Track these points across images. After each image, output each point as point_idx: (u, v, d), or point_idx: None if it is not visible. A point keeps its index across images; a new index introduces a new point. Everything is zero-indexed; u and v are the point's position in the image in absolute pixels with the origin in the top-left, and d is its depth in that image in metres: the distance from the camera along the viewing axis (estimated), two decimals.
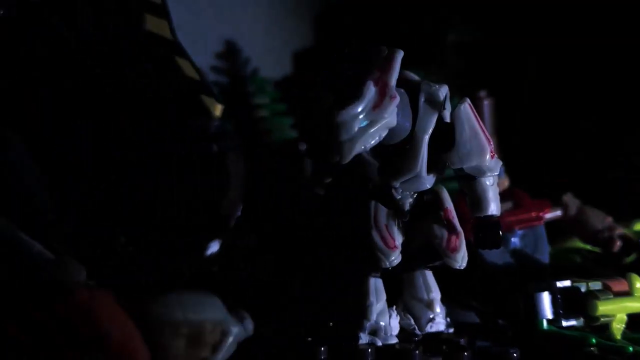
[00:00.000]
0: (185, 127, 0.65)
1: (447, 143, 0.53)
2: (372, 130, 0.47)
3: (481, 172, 0.54)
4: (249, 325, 0.52)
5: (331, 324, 0.61)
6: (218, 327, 0.50)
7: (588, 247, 0.78)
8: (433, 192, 0.58)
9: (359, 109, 0.46)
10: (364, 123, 0.47)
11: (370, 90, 0.47)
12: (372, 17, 1.05)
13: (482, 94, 0.84)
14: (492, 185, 0.55)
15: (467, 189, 0.55)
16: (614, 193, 0.85)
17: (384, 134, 0.49)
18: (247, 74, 1.01)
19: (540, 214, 0.77)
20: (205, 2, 0.98)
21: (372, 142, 0.48)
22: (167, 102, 0.64)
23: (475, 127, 0.53)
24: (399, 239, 0.56)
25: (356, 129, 0.46)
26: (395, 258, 0.55)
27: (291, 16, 1.09)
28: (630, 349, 0.56)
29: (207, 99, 0.66)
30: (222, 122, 0.70)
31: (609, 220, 0.80)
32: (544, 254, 0.75)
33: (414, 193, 0.57)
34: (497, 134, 0.88)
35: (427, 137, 0.53)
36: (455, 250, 0.55)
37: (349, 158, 0.47)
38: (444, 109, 0.54)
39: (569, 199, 0.82)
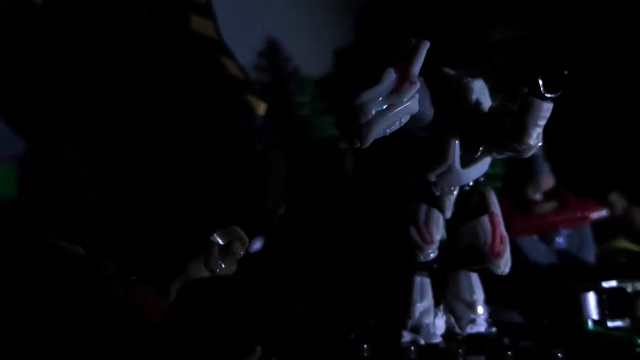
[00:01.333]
0: (230, 126, 0.65)
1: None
2: (390, 114, 0.47)
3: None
4: None
5: (373, 321, 0.61)
6: None
7: (635, 247, 0.77)
8: (480, 195, 0.58)
9: (377, 93, 0.46)
10: (382, 107, 0.47)
11: (390, 76, 0.47)
12: (413, 15, 1.04)
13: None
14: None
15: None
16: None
17: (405, 120, 0.48)
18: (288, 73, 1.02)
19: (586, 213, 0.76)
20: (247, 2, 0.99)
21: (392, 127, 0.48)
22: (213, 101, 0.65)
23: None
24: (437, 235, 0.56)
25: (373, 112, 0.46)
26: (432, 252, 0.55)
27: (332, 14, 1.09)
28: None
29: (252, 97, 0.67)
30: (266, 120, 0.70)
31: None
32: (590, 254, 0.74)
33: (454, 190, 0.57)
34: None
35: (456, 128, 0.53)
36: (499, 255, 0.55)
37: (368, 142, 0.47)
38: (481, 102, 0.54)
39: (615, 198, 0.81)
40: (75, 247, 0.52)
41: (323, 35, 1.08)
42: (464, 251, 0.57)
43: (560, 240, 0.74)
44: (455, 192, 0.57)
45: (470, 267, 0.59)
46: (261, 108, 0.68)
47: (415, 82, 0.48)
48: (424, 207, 0.57)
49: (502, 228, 0.56)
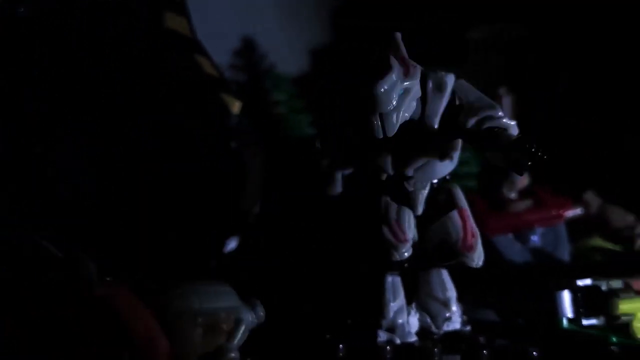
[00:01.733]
0: (204, 124, 0.65)
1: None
2: (408, 99, 0.49)
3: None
4: (260, 312, 0.53)
5: (349, 321, 0.61)
6: (232, 314, 0.51)
7: (609, 245, 0.77)
8: (447, 192, 0.58)
9: (394, 78, 0.47)
10: (401, 91, 0.48)
11: (395, 62, 0.48)
12: (389, 14, 1.04)
13: (502, 90, 0.83)
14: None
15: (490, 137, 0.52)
16: (637, 191, 0.83)
17: (414, 106, 0.50)
18: (264, 71, 1.01)
19: (561, 212, 0.76)
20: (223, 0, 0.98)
21: (409, 113, 0.50)
22: (187, 99, 0.64)
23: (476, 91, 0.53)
24: (410, 233, 0.56)
25: (396, 97, 0.48)
26: (406, 250, 0.55)
27: (308, 13, 1.09)
28: None
29: (226, 96, 0.66)
30: (241, 119, 0.70)
31: (631, 218, 0.79)
32: (565, 253, 0.75)
33: (427, 185, 0.56)
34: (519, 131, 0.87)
35: (437, 121, 0.52)
36: (472, 249, 0.55)
37: (394, 130, 0.48)
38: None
39: (590, 197, 0.81)
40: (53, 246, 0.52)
41: (299, 33, 1.07)
42: (436, 248, 0.57)
43: (535, 239, 0.74)
44: (428, 188, 0.57)
45: (443, 263, 0.59)
46: (236, 106, 0.67)
47: (416, 65, 0.50)
48: (394, 206, 0.57)
49: (472, 222, 0.57)
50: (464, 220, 0.56)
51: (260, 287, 0.62)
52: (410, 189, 0.56)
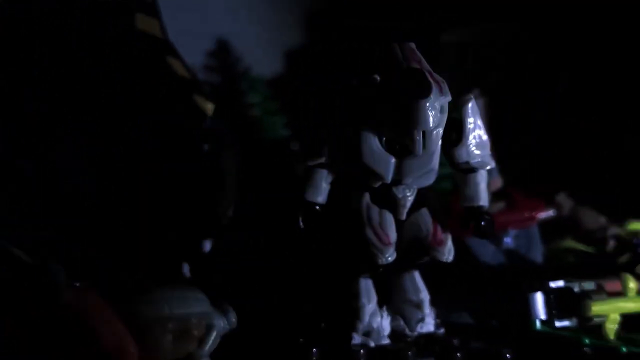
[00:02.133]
0: (176, 127, 0.64)
1: (457, 137, 0.54)
2: (443, 116, 0.51)
3: (482, 164, 0.56)
4: (233, 318, 0.53)
5: (323, 325, 0.61)
6: (203, 320, 0.51)
7: (582, 247, 0.78)
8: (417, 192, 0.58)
9: (435, 98, 0.49)
10: (439, 108, 0.50)
11: (430, 78, 0.49)
12: (364, 16, 1.04)
13: (474, 93, 0.83)
14: (485, 178, 0.57)
15: (464, 180, 0.56)
16: (610, 193, 0.84)
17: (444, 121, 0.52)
18: (239, 73, 1.01)
19: (534, 214, 0.77)
20: (196, 1, 0.98)
21: (442, 129, 0.52)
22: (158, 101, 0.63)
23: (480, 122, 0.56)
24: (393, 236, 0.55)
25: (438, 114, 0.50)
26: (390, 255, 0.54)
27: (283, 14, 1.08)
28: (624, 349, 0.56)
29: (199, 98, 0.66)
30: (215, 121, 0.69)
31: (603, 220, 0.80)
32: (537, 254, 0.75)
33: (415, 192, 0.56)
34: (490, 134, 0.87)
35: (440, 131, 0.52)
36: (442, 243, 0.56)
37: (437, 147, 0.51)
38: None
39: (562, 199, 0.82)
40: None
41: (274, 35, 1.07)
42: (408, 245, 0.57)
43: (508, 241, 0.75)
44: (415, 193, 0.56)
45: (415, 261, 0.59)
46: (209, 109, 0.66)
47: (444, 81, 0.51)
48: (376, 209, 0.56)
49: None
50: (433, 216, 0.57)
51: (233, 290, 0.61)
52: (400, 195, 0.55)
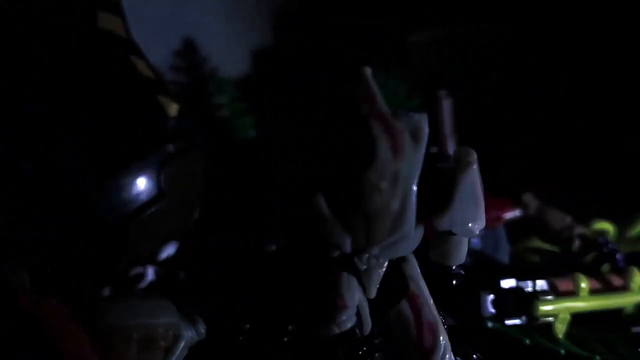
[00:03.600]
0: (139, 128, 0.63)
1: (442, 202, 0.42)
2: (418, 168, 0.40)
3: (468, 234, 0.45)
4: (201, 328, 0.51)
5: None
6: (170, 330, 0.49)
7: (547, 246, 0.78)
8: (396, 267, 0.46)
9: (378, 171, 0.39)
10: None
11: (379, 136, 0.39)
12: (331, 16, 1.04)
13: (442, 93, 0.83)
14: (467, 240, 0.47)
15: (439, 238, 0.45)
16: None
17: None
18: (206, 73, 1.00)
19: (500, 214, 0.77)
20: (163, 0, 0.97)
21: None
22: (121, 102, 0.62)
23: (478, 193, 0.43)
24: (350, 300, 0.44)
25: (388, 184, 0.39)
26: (348, 319, 0.44)
27: (250, 14, 1.08)
28: (562, 351, 0.57)
29: (163, 98, 0.65)
30: (180, 122, 0.68)
31: (568, 219, 0.80)
32: (504, 255, 0.76)
33: (385, 264, 0.44)
34: (457, 134, 0.88)
35: (415, 185, 0.41)
36: (431, 352, 0.44)
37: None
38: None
39: (528, 198, 0.82)
40: None
41: (241, 35, 1.06)
42: (396, 344, 0.46)
43: (475, 241, 0.75)
44: (385, 266, 0.44)
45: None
46: (173, 109, 0.65)
47: (403, 130, 0.40)
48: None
49: (426, 310, 0.45)
50: (415, 311, 0.45)
51: (200, 296, 0.60)
52: (363, 267, 0.43)
